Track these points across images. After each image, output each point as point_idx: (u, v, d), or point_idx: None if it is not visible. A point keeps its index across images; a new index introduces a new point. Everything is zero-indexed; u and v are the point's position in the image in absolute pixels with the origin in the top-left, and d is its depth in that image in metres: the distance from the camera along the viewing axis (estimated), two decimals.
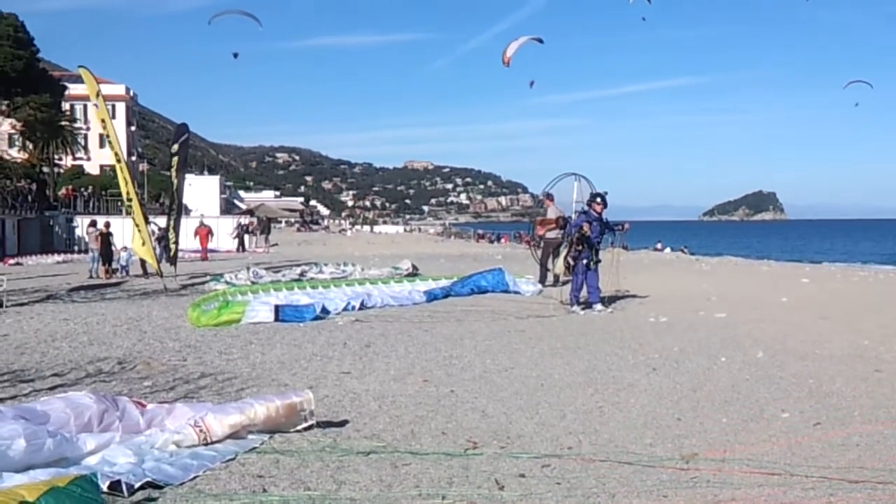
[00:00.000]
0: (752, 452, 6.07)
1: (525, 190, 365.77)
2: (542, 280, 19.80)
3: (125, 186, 21.22)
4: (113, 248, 26.35)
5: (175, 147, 22.89)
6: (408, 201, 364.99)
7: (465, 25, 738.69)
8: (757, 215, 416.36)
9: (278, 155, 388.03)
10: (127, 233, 25.98)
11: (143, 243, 21.40)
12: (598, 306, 15.25)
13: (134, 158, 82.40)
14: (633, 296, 17.54)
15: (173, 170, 22.85)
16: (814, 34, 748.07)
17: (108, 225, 27.25)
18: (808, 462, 5.82)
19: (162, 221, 29.23)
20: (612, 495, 5.06)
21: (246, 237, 49.22)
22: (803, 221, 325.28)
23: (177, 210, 23.18)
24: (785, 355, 10.37)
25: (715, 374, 9.17)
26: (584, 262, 15.34)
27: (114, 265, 26.21)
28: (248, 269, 22.65)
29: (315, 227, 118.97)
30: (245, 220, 54.95)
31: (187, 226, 35.14)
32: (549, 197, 21.51)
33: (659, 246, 54.61)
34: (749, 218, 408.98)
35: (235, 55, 36.93)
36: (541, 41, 29.04)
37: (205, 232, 38.65)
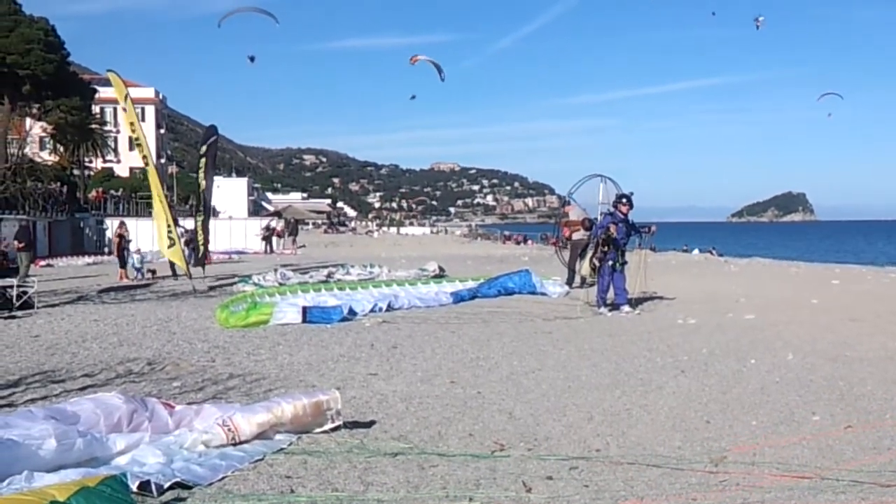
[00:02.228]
0: (782, 455, 6.02)
1: (552, 191, 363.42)
2: (570, 282, 19.75)
3: (154, 188, 21.39)
4: (126, 251, 26.33)
5: (203, 149, 23.05)
6: (434, 203, 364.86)
7: (493, 25, 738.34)
8: (786, 216, 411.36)
9: (305, 157, 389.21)
10: (152, 235, 25.90)
11: (173, 244, 21.53)
12: (626, 308, 15.20)
13: (163, 161, 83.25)
14: (661, 297, 17.45)
15: (201, 172, 23.01)
16: (848, 34, 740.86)
17: (126, 229, 27.32)
18: (839, 465, 5.76)
19: (190, 223, 29.30)
20: (641, 498, 5.03)
21: (273, 239, 49.44)
22: (833, 222, 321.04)
23: (205, 212, 23.31)
24: (815, 357, 10.27)
25: (744, 377, 9.10)
26: (610, 263, 15.30)
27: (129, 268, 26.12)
28: (275, 270, 22.74)
29: (342, 228, 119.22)
30: (274, 222, 55.15)
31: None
32: (568, 204, 21.50)
33: (686, 248, 54.34)
34: (778, 219, 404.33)
35: (252, 59, 37.09)
36: (440, 73, 32.82)
37: None
